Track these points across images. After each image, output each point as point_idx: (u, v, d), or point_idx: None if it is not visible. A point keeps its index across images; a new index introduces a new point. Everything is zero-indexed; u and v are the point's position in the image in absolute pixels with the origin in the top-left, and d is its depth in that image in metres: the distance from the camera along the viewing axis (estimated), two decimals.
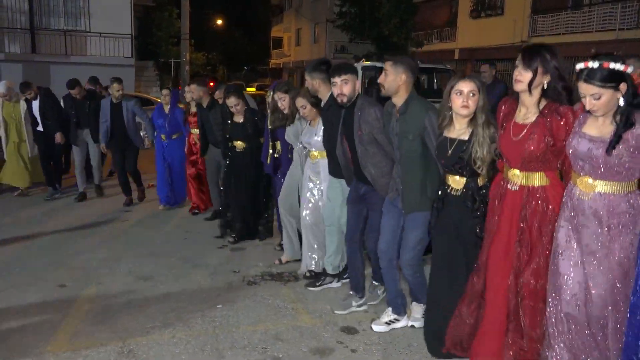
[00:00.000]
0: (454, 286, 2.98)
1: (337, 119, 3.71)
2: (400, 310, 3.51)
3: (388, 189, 3.44)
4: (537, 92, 2.56)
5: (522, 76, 2.54)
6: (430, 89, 12.35)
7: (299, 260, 4.56)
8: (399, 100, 3.22)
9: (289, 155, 4.69)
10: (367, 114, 3.45)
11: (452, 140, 2.91)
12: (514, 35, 18.55)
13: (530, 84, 2.52)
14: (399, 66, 3.17)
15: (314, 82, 3.90)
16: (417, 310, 3.49)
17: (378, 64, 11.48)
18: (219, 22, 42.52)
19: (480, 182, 2.90)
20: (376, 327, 3.49)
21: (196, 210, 6.42)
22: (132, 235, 5.53)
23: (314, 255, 4.34)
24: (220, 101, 5.64)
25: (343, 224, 3.92)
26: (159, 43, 25.27)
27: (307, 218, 4.28)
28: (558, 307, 2.44)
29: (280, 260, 4.71)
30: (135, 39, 19.50)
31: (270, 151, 4.83)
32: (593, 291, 2.36)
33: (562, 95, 2.52)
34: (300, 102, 4.13)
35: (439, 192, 3.03)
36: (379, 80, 3.25)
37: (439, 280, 3.07)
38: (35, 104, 7.14)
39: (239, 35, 44.54)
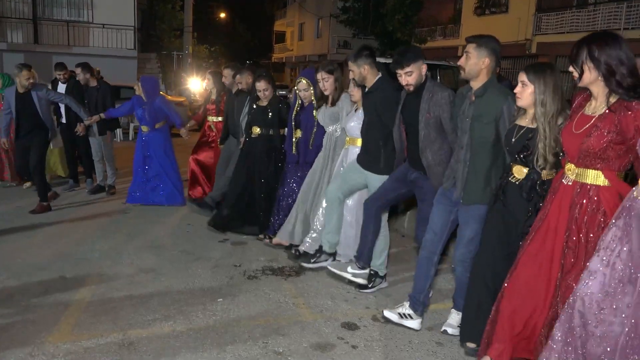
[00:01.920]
0: (499, 280, 2.88)
1: (384, 103, 3.66)
2: (418, 308, 3.42)
3: (441, 179, 3.34)
4: (600, 87, 2.42)
5: (574, 73, 2.45)
6: None
7: (288, 247, 4.59)
8: (477, 84, 3.07)
9: (310, 146, 4.69)
10: (440, 96, 3.36)
11: (520, 127, 2.84)
12: (518, 33, 18.50)
13: (581, 78, 2.42)
14: (482, 49, 3.01)
15: (361, 69, 3.82)
16: (455, 318, 3.34)
17: (381, 60, 11.45)
18: (222, 15, 42.39)
19: (544, 176, 2.81)
20: (387, 313, 3.44)
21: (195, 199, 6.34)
22: (134, 228, 5.53)
23: (314, 235, 4.36)
24: (240, 86, 5.58)
25: (348, 204, 3.90)
26: (161, 35, 25.17)
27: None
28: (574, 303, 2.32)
29: (269, 237, 4.73)
30: (138, 31, 19.46)
31: (295, 141, 4.79)
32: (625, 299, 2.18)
33: (630, 87, 2.33)
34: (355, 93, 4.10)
35: (502, 181, 2.94)
36: (458, 63, 3.11)
37: (482, 269, 2.99)
38: (61, 89, 6.92)
39: (242, 28, 44.40)
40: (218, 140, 6.15)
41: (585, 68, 2.40)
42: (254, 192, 5.18)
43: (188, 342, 3.19)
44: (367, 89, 3.93)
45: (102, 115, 6.45)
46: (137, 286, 3.99)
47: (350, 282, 4.09)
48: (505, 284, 2.78)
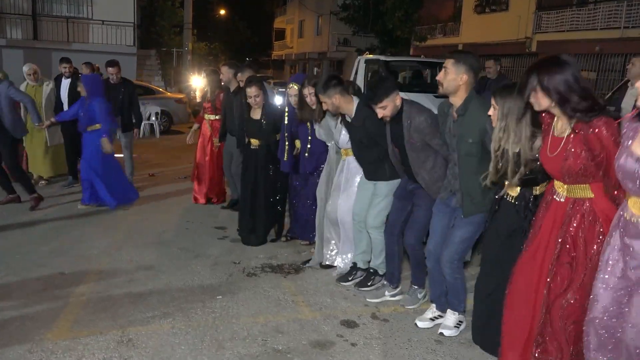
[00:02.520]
0: (500, 289, 2.89)
1: (373, 127, 3.69)
2: (445, 307, 3.46)
3: (440, 191, 3.37)
4: (558, 110, 2.42)
5: (532, 99, 2.43)
6: (433, 84, 12.32)
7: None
8: (457, 100, 3.07)
9: (306, 154, 4.64)
10: (417, 122, 3.36)
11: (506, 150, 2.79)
12: (519, 32, 18.47)
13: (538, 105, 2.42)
14: (461, 65, 3.01)
15: (333, 99, 3.79)
16: (451, 319, 3.39)
17: (381, 58, 11.44)
18: (222, 12, 42.33)
19: (537, 191, 2.81)
20: (420, 324, 3.47)
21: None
22: (133, 225, 5.52)
23: (330, 249, 4.38)
24: (242, 84, 5.46)
25: (369, 225, 3.91)
26: (161, 32, 25.14)
27: (332, 214, 4.29)
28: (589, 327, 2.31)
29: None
30: (138, 28, 19.42)
31: (287, 148, 4.72)
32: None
33: (586, 110, 2.32)
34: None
35: (496, 196, 2.94)
36: (437, 78, 3.12)
37: (487, 281, 3.04)
38: (65, 84, 6.95)
39: (241, 25, 44.34)
40: (214, 138, 6.14)
41: (538, 96, 2.40)
42: (260, 204, 5.01)
43: (187, 339, 3.19)
44: (351, 120, 3.89)
45: (54, 119, 6.31)
46: (136, 283, 3.99)
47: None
48: (506, 295, 2.79)
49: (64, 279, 4.03)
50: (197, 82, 19.57)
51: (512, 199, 2.88)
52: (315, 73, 27.26)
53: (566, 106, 2.36)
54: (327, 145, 4.53)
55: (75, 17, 17.61)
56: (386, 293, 3.87)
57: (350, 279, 4.12)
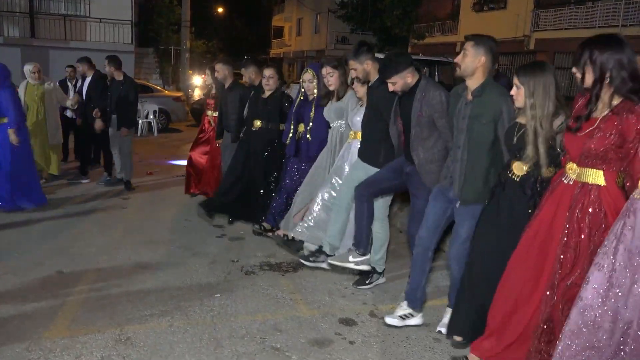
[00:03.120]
0: (492, 275, 2.86)
1: (385, 99, 3.68)
2: (417, 305, 3.43)
3: (434, 178, 3.37)
4: (604, 88, 2.39)
5: (577, 74, 2.45)
6: None
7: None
8: (473, 83, 3.08)
9: (307, 136, 4.72)
10: (431, 96, 3.38)
11: (522, 125, 2.82)
12: (517, 30, 18.48)
13: (582, 81, 2.41)
14: (480, 47, 3.04)
15: (364, 65, 3.83)
16: None
17: (380, 55, 11.42)
18: (220, 9, 42.25)
19: (544, 174, 2.80)
20: (389, 320, 3.43)
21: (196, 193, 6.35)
22: (131, 223, 5.52)
23: (305, 225, 4.34)
24: (245, 79, 5.60)
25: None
26: (159, 30, 25.09)
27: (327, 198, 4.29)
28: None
29: (265, 229, 4.80)
30: (136, 26, 19.37)
31: (290, 134, 4.81)
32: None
33: (633, 92, 2.32)
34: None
35: (500, 177, 2.93)
36: (455, 60, 3.13)
37: (477, 264, 2.96)
38: (83, 84, 7.12)
39: (239, 23, 44.27)
40: (214, 135, 6.15)
41: (587, 70, 2.40)
42: (249, 184, 5.18)
43: (185, 337, 3.19)
44: (370, 84, 3.95)
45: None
46: (134, 281, 3.98)
47: (349, 278, 4.12)
48: (500, 282, 2.77)
49: (62, 277, 4.03)
50: (198, 81, 19.57)
51: (517, 178, 2.85)
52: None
53: (611, 84, 2.36)
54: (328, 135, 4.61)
55: (73, 15, 17.55)
56: (350, 258, 3.74)
57: (311, 259, 4.06)
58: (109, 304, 3.58)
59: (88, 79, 7.29)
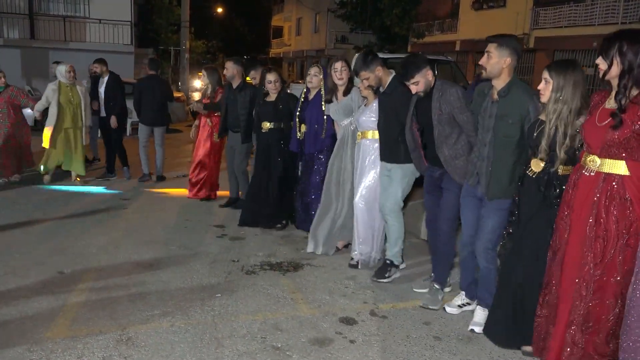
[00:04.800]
0: (519, 274, 2.96)
1: (401, 104, 3.76)
2: (474, 295, 3.53)
3: (462, 173, 3.43)
4: (623, 80, 2.47)
5: (602, 65, 2.51)
6: None
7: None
8: (500, 83, 3.13)
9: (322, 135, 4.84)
10: (448, 94, 3.46)
11: (542, 122, 2.88)
12: (516, 28, 18.45)
13: (606, 73, 2.48)
14: (504, 49, 3.09)
15: (376, 72, 3.94)
16: (481, 315, 3.35)
17: (379, 55, 11.42)
18: (219, 10, 42.23)
19: (561, 171, 2.86)
20: (449, 309, 3.57)
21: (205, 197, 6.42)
22: (131, 223, 5.52)
23: (361, 247, 4.38)
24: (254, 82, 5.77)
25: (385, 209, 4.02)
26: (158, 30, 25.08)
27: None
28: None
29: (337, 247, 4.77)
30: (135, 26, 19.37)
31: (299, 133, 4.97)
32: None
33: None
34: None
35: (519, 174, 3.03)
36: (480, 62, 3.17)
37: (514, 270, 3.05)
38: (101, 83, 7.43)
39: (239, 23, 44.26)
40: (215, 133, 6.17)
41: (615, 62, 2.46)
42: (269, 187, 5.32)
43: (186, 337, 3.19)
44: (383, 90, 4.02)
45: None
46: (135, 281, 3.99)
47: (349, 277, 4.16)
48: (553, 286, 2.78)
49: (63, 277, 4.04)
50: (198, 84, 19.57)
51: (533, 175, 2.92)
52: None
53: (626, 77, 2.42)
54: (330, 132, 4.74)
55: (72, 16, 17.55)
56: (439, 298, 3.73)
57: (386, 275, 4.08)
58: (110, 304, 3.58)
59: (105, 79, 7.54)
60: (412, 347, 3.18)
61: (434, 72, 3.64)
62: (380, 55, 11.96)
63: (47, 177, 7.03)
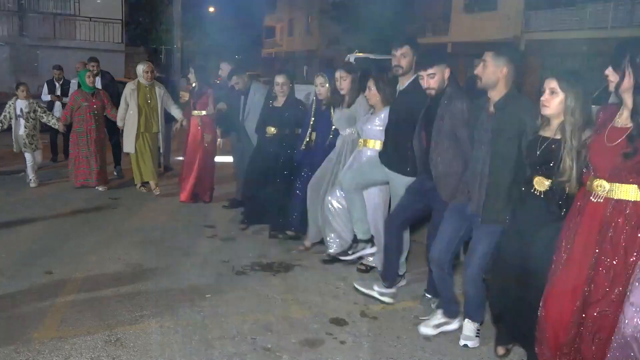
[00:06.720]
0: (518, 291, 2.80)
1: (417, 104, 3.54)
2: (452, 314, 3.33)
3: (451, 193, 3.23)
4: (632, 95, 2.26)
5: (612, 76, 2.30)
6: None
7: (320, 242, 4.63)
8: (496, 94, 2.95)
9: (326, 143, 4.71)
10: (454, 105, 3.24)
11: (545, 138, 2.67)
12: (507, 31, 18.61)
13: (619, 86, 2.26)
14: (500, 58, 2.90)
15: (404, 50, 3.83)
16: (470, 328, 3.20)
17: (371, 56, 11.45)
18: (211, 9, 42.08)
19: (568, 190, 2.61)
20: (424, 330, 3.32)
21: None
22: (121, 223, 5.48)
23: (336, 239, 4.34)
24: (237, 87, 5.53)
25: (345, 185, 3.96)
26: (150, 29, 24.95)
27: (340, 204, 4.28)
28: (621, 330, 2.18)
29: (305, 246, 4.72)
30: (126, 25, 19.27)
31: (307, 139, 4.79)
32: None
33: None
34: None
35: (521, 193, 2.79)
36: (475, 72, 3.00)
37: (507, 285, 2.90)
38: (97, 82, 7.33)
39: (231, 23, 44.12)
40: (205, 134, 6.08)
41: (627, 73, 2.25)
42: (267, 192, 5.09)
43: (176, 338, 3.17)
44: (402, 88, 3.84)
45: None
46: (124, 282, 3.96)
47: (340, 278, 4.14)
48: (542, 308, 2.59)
49: (51, 278, 3.99)
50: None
51: (539, 193, 2.69)
52: (305, 72, 27.24)
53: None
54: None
55: (62, 13, 17.46)
56: (375, 287, 3.70)
57: (350, 252, 4.06)
58: (99, 305, 3.55)
59: (98, 78, 7.48)
60: (402, 348, 3.19)
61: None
62: (373, 56, 11.97)
63: (157, 190, 6.64)
